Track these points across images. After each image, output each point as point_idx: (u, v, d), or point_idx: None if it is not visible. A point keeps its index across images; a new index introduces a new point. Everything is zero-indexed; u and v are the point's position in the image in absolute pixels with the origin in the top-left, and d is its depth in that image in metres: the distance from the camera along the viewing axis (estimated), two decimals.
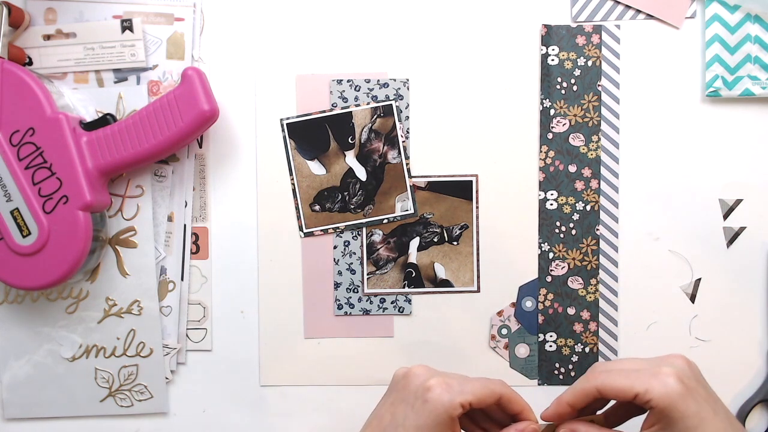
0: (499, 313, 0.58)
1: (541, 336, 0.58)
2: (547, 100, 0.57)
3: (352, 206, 0.58)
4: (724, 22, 0.55)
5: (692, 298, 0.57)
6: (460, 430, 0.42)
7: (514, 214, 0.57)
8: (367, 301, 0.58)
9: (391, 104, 0.57)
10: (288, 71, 0.57)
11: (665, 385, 0.38)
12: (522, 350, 0.58)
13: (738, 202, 0.57)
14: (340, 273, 0.58)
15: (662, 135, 0.57)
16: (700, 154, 0.56)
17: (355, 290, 0.58)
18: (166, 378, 0.58)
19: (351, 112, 0.57)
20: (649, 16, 0.56)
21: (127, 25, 0.55)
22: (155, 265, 0.57)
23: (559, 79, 0.56)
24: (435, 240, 0.58)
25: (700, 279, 0.57)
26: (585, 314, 0.57)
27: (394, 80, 0.57)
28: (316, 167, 0.58)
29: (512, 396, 0.43)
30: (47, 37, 0.56)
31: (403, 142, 0.57)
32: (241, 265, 0.58)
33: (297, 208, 0.58)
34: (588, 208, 0.57)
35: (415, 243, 0.58)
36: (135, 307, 0.57)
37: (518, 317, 0.58)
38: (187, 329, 0.58)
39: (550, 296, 0.57)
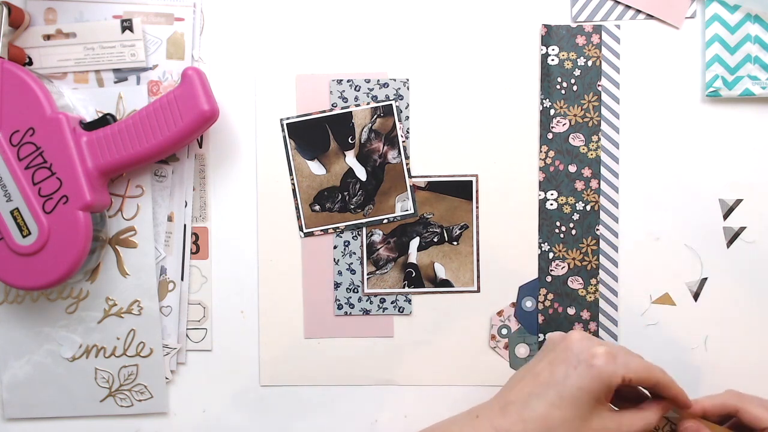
0: (499, 313, 0.58)
1: (541, 336, 0.58)
2: (547, 100, 0.57)
3: (352, 206, 0.58)
4: (724, 22, 0.55)
5: (693, 298, 0.57)
6: (609, 405, 0.45)
7: (514, 214, 0.57)
8: (367, 301, 0.58)
9: (391, 104, 0.57)
10: (288, 71, 0.57)
11: None
12: (522, 350, 0.58)
13: (738, 202, 0.57)
14: (340, 273, 0.58)
15: (662, 135, 0.57)
16: (700, 154, 0.56)
17: (355, 290, 0.58)
18: (166, 378, 0.58)
19: (351, 112, 0.57)
20: (649, 16, 0.56)
21: (127, 25, 0.55)
22: (155, 265, 0.57)
23: (559, 79, 0.56)
24: (435, 240, 0.58)
25: (700, 279, 0.57)
26: (585, 314, 0.57)
27: (394, 80, 0.57)
28: (316, 167, 0.58)
29: (670, 384, 0.45)
30: (47, 37, 0.56)
31: (403, 142, 0.57)
32: (241, 265, 0.58)
33: (297, 208, 0.58)
34: (588, 208, 0.57)
35: (415, 243, 0.58)
36: (135, 307, 0.57)
37: (518, 317, 0.58)
38: (187, 329, 0.58)
39: (550, 296, 0.57)
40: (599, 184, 0.57)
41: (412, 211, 0.58)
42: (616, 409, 0.47)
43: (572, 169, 0.57)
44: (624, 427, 0.44)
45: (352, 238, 0.58)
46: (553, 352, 0.46)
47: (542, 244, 0.57)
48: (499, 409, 0.45)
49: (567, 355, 0.45)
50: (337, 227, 0.58)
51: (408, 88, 0.57)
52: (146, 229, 0.57)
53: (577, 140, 0.57)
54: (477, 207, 0.57)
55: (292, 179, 0.58)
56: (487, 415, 0.45)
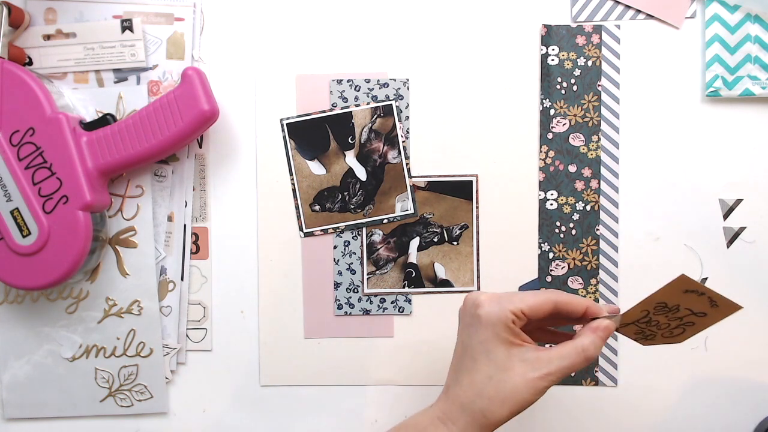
0: None
1: None
2: (547, 100, 0.57)
3: (352, 206, 0.58)
4: (724, 22, 0.55)
5: None
6: (528, 339, 0.43)
7: (514, 214, 0.57)
8: (367, 301, 0.58)
9: (391, 104, 0.57)
10: (288, 71, 0.57)
11: None
12: None
13: (738, 202, 0.57)
14: (340, 273, 0.58)
15: (662, 135, 0.57)
16: (700, 154, 0.56)
17: (355, 290, 0.58)
18: (166, 378, 0.58)
19: (351, 112, 0.57)
20: (649, 16, 0.56)
21: (127, 25, 0.55)
22: (155, 265, 0.57)
23: (559, 79, 0.56)
24: (435, 240, 0.58)
25: (700, 279, 0.57)
26: None
27: (394, 80, 0.57)
28: (316, 167, 0.58)
29: (569, 299, 0.43)
30: (47, 37, 0.56)
31: (403, 142, 0.57)
32: (241, 265, 0.58)
33: (297, 208, 0.58)
34: (588, 208, 0.57)
35: (415, 243, 0.58)
36: (135, 307, 0.57)
37: None
38: (187, 329, 0.58)
39: None
40: (599, 184, 0.57)
41: (412, 211, 0.58)
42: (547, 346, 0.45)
43: (572, 169, 0.57)
44: (543, 360, 0.42)
45: (352, 238, 0.58)
46: (461, 319, 0.45)
47: (542, 244, 0.57)
48: (442, 394, 0.45)
49: (465, 318, 0.44)
50: (337, 227, 0.58)
51: (408, 88, 0.57)
52: (146, 229, 0.57)
53: (577, 140, 0.57)
54: (477, 207, 0.57)
55: (292, 179, 0.58)
56: (435, 404, 0.45)
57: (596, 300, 0.57)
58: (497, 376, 0.41)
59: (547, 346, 0.46)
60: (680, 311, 0.43)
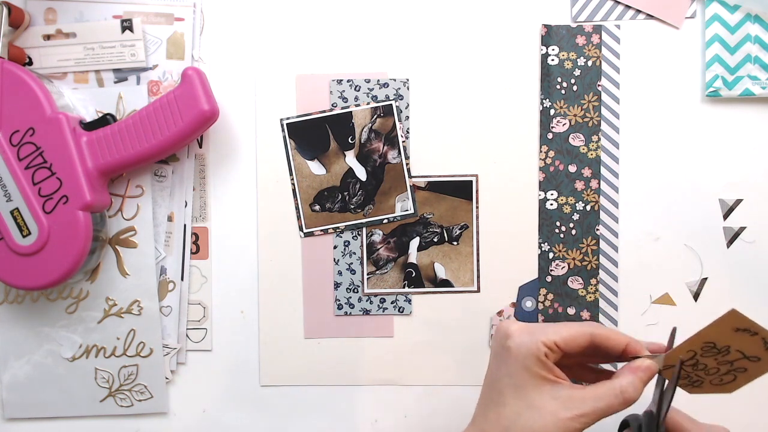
0: (499, 313, 0.58)
1: None
2: (547, 100, 0.57)
3: (352, 206, 0.58)
4: (724, 22, 0.55)
5: (693, 298, 0.57)
6: (561, 375, 0.40)
7: (514, 214, 0.57)
8: (367, 301, 0.58)
9: (391, 104, 0.57)
10: (288, 71, 0.57)
11: None
12: None
13: (738, 202, 0.57)
14: (340, 273, 0.58)
15: (662, 135, 0.57)
16: (700, 154, 0.56)
17: (355, 290, 0.58)
18: (166, 378, 0.58)
19: (351, 112, 0.57)
20: (649, 16, 0.56)
21: (127, 25, 0.55)
22: (155, 265, 0.57)
23: (559, 79, 0.56)
24: (435, 240, 0.58)
25: (700, 279, 0.57)
26: (585, 314, 0.57)
27: (394, 80, 0.57)
28: (316, 167, 0.58)
29: (608, 333, 0.40)
30: (47, 37, 0.56)
31: (403, 142, 0.57)
32: (241, 265, 0.58)
33: (297, 208, 0.58)
34: (588, 208, 0.57)
35: (415, 243, 0.58)
36: (135, 307, 0.57)
37: (518, 317, 0.58)
38: (187, 329, 0.58)
39: (550, 296, 0.57)
40: (599, 184, 0.57)
41: (412, 211, 0.58)
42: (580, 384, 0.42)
43: (572, 169, 0.57)
44: (576, 399, 0.39)
45: (352, 238, 0.58)
46: (491, 349, 0.43)
47: (542, 244, 0.57)
48: (470, 425, 0.42)
49: (495, 348, 0.42)
50: (337, 227, 0.58)
51: (408, 88, 0.57)
52: (146, 229, 0.57)
53: (577, 140, 0.57)
54: (477, 207, 0.57)
55: (292, 179, 0.58)
56: None
57: (596, 300, 0.57)
58: (526, 413, 0.39)
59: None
60: (731, 354, 0.39)
